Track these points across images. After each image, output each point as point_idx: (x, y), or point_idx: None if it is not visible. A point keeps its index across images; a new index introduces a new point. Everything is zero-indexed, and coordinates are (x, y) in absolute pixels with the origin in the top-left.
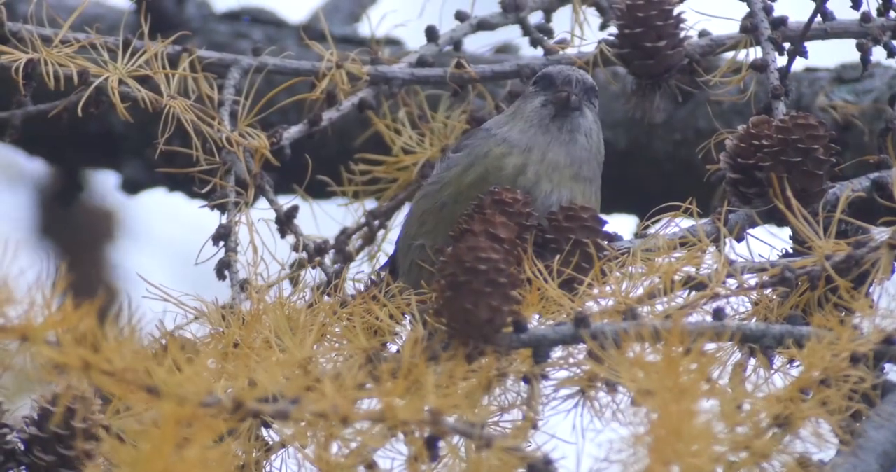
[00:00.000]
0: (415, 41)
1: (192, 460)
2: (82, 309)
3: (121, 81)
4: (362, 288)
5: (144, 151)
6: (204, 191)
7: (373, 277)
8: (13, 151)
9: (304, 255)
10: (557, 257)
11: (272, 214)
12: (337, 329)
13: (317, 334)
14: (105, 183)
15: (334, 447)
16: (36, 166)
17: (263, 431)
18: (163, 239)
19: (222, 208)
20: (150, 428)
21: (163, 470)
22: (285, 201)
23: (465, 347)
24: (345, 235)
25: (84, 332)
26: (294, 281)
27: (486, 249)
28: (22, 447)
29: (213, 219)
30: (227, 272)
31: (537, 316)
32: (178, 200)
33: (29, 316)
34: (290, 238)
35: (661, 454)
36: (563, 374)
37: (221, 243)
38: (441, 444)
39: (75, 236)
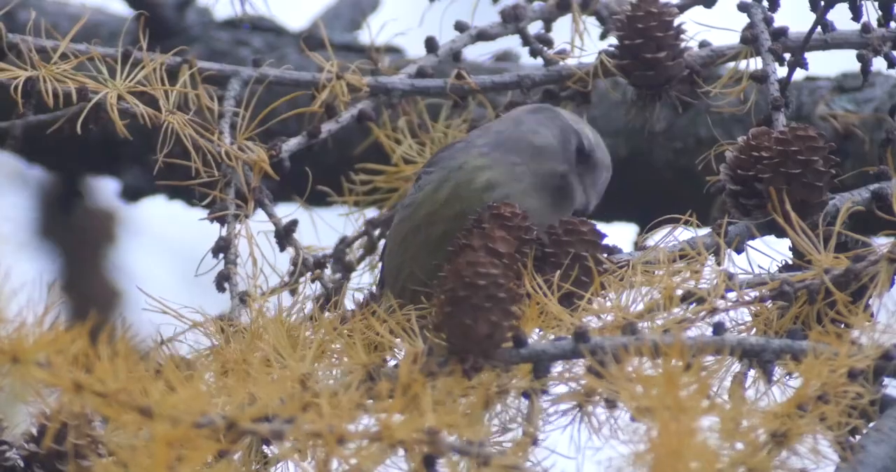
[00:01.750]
0: (415, 49)
1: None
2: (74, 330)
3: (119, 97)
4: (362, 301)
5: (144, 158)
6: (204, 204)
7: (372, 290)
8: (13, 158)
9: (303, 267)
10: (558, 272)
11: (272, 227)
12: (337, 346)
13: (316, 349)
14: (107, 188)
15: (334, 464)
16: (36, 173)
17: (264, 447)
18: (167, 242)
19: (222, 221)
20: (142, 447)
21: None
22: (285, 210)
23: (464, 362)
24: (343, 244)
25: (76, 353)
26: (293, 291)
27: (485, 264)
28: (21, 464)
29: (216, 224)
30: (226, 285)
31: (537, 330)
32: (179, 207)
33: (20, 336)
34: (290, 252)
35: None
36: (561, 389)
37: (221, 256)
38: (440, 462)
39: (77, 240)
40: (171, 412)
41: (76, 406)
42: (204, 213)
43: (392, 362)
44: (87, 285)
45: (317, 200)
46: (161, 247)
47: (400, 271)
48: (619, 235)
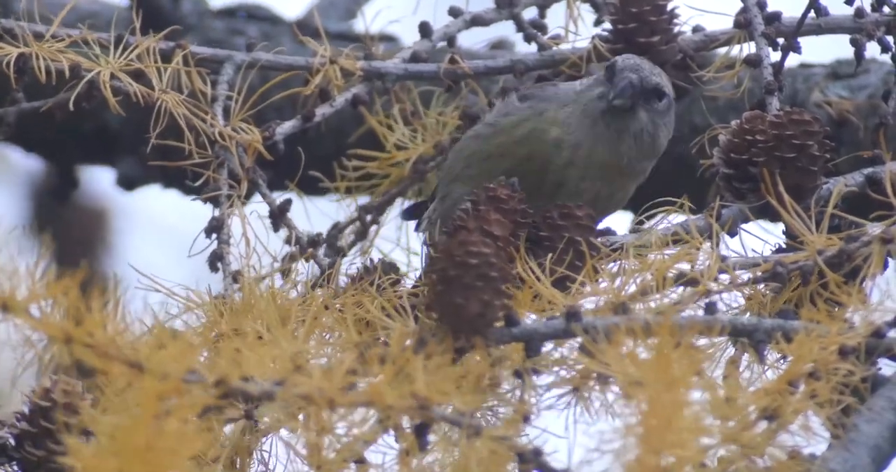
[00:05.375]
0: (410, 38)
1: (171, 432)
2: (65, 281)
3: (112, 76)
4: (355, 276)
5: (139, 149)
6: (197, 184)
7: (366, 264)
8: (8, 148)
9: (297, 248)
10: (550, 255)
11: (265, 208)
12: (328, 320)
13: (309, 326)
14: (102, 179)
15: (325, 442)
16: (31, 163)
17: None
18: (163, 233)
19: (215, 202)
20: (131, 402)
21: (142, 442)
22: (279, 198)
23: (455, 341)
24: (336, 229)
25: (68, 305)
26: (286, 273)
27: (477, 243)
28: (13, 443)
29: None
30: (219, 264)
31: (532, 315)
32: (175, 196)
33: (12, 286)
34: (284, 232)
35: (651, 445)
36: (556, 369)
37: (214, 236)
38: (431, 435)
39: (71, 233)
40: (160, 366)
41: (65, 358)
42: (195, 197)
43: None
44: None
45: (310, 187)
46: (158, 237)
47: (452, 183)
48: (615, 224)
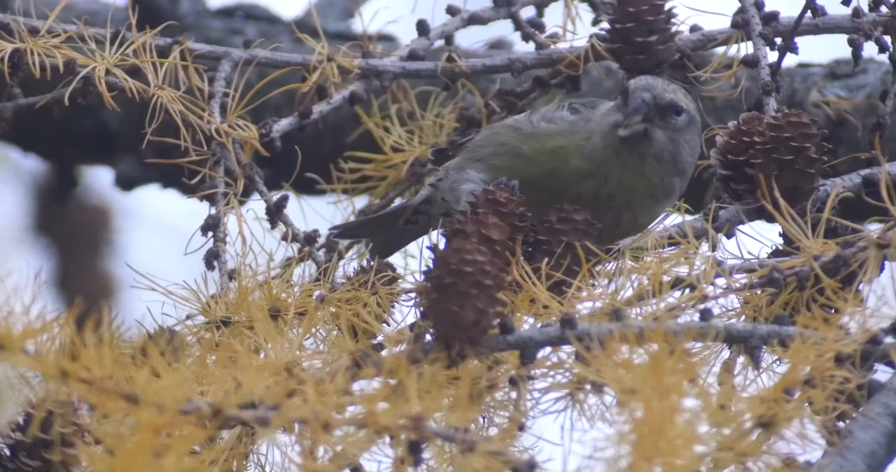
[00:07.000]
0: (408, 38)
1: (168, 468)
2: (61, 318)
3: (108, 72)
4: (350, 276)
5: (139, 148)
6: (194, 182)
7: (363, 264)
8: (7, 147)
9: (294, 251)
10: (546, 259)
11: (261, 207)
12: (322, 315)
13: (306, 326)
14: (102, 178)
15: (320, 451)
16: (32, 162)
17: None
18: (164, 231)
19: (211, 199)
20: (128, 435)
21: None
22: (276, 195)
23: (450, 349)
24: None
25: (63, 341)
26: (283, 272)
27: (471, 251)
28: (7, 453)
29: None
30: (215, 262)
31: (531, 320)
32: (174, 196)
33: (7, 324)
34: (280, 229)
35: (644, 452)
36: (550, 376)
37: (210, 234)
38: (425, 448)
39: (72, 233)
40: (156, 399)
41: (62, 394)
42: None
43: (377, 341)
44: (82, 281)
45: (307, 188)
46: (156, 237)
47: (475, 162)
48: None
